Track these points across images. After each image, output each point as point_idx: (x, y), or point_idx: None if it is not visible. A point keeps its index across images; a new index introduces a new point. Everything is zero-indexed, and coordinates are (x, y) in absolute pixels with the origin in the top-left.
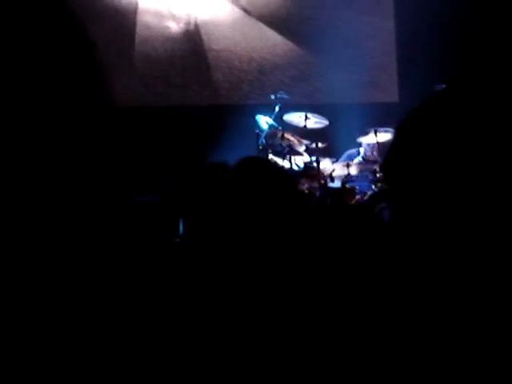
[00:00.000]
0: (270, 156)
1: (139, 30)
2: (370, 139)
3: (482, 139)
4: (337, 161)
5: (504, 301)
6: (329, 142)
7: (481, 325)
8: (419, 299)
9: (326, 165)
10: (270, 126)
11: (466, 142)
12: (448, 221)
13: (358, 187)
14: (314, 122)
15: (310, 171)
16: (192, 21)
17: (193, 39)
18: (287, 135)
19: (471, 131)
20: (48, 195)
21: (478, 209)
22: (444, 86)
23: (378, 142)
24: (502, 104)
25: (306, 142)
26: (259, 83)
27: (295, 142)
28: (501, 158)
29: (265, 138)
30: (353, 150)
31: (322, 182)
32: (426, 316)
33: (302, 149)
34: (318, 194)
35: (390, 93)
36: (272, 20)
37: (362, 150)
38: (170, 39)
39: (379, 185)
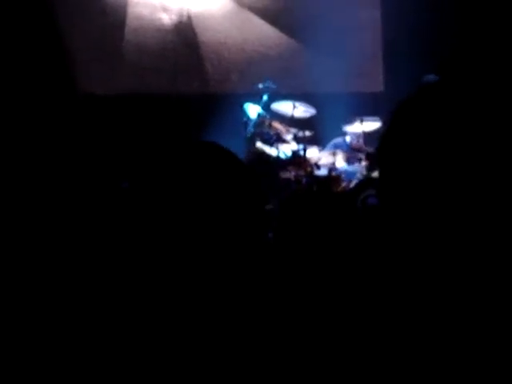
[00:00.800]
0: (258, 144)
1: (129, 21)
2: (355, 128)
3: (477, 131)
4: (323, 149)
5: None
6: (316, 131)
7: (475, 319)
8: (410, 291)
9: (312, 153)
10: (258, 115)
11: (460, 133)
12: (440, 209)
13: (343, 175)
14: (302, 110)
15: (297, 159)
16: (184, 13)
17: (184, 30)
18: (275, 124)
19: (466, 122)
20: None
21: (472, 200)
22: (431, 76)
23: (363, 131)
24: (497, 97)
25: (293, 130)
26: (248, 73)
27: (283, 130)
28: (497, 150)
29: (253, 126)
30: (339, 139)
31: (309, 169)
32: (418, 310)
33: (289, 137)
34: (304, 181)
35: (376, 82)
36: (262, 11)
37: (347, 138)
38: (161, 30)
39: (365, 173)
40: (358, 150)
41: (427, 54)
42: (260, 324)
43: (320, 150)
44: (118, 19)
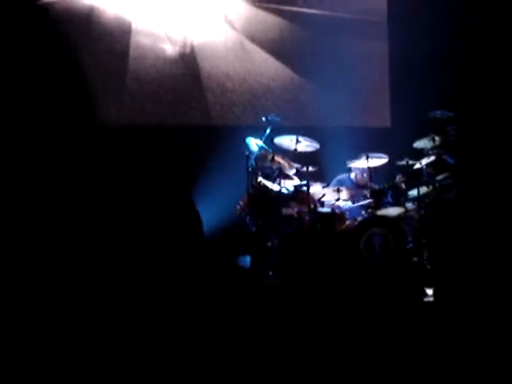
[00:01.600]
0: (260, 178)
1: (132, 50)
2: (361, 164)
3: None
4: (327, 185)
5: None
6: (319, 166)
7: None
8: None
9: (316, 189)
10: (261, 149)
11: None
12: None
13: (347, 212)
14: (305, 145)
15: (299, 195)
16: (188, 43)
17: (187, 61)
18: (277, 158)
19: None
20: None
21: None
22: (438, 111)
23: (369, 168)
24: None
25: (296, 165)
26: (251, 106)
27: (285, 165)
28: None
29: (255, 160)
30: (343, 175)
31: (312, 206)
32: None
33: (292, 172)
34: (307, 218)
35: (382, 118)
36: (267, 44)
37: (352, 174)
38: (164, 60)
39: (369, 210)
40: (363, 187)
41: (434, 91)
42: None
43: (324, 186)
44: (120, 48)
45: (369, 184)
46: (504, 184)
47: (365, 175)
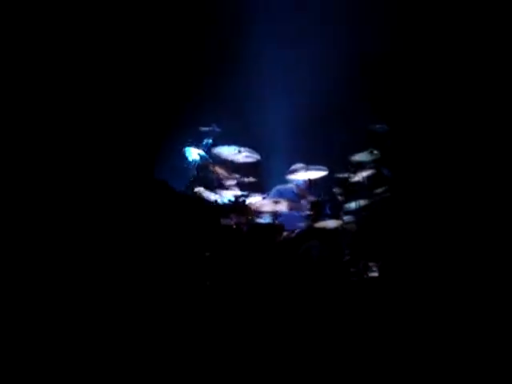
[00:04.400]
0: (200, 188)
1: None
2: (301, 176)
3: None
4: (267, 196)
5: None
6: (259, 177)
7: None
8: None
9: (255, 200)
10: (201, 158)
11: None
12: None
13: (286, 224)
14: (245, 156)
15: (238, 206)
16: None
17: None
18: (217, 168)
19: None
20: None
21: None
22: (377, 125)
23: (308, 179)
24: None
25: (236, 175)
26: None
27: (225, 175)
28: None
29: (195, 170)
30: (283, 186)
31: (251, 217)
32: None
33: (231, 183)
34: (245, 229)
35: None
36: None
37: (292, 185)
38: None
39: (308, 222)
40: (303, 198)
41: (372, 103)
42: None
43: (263, 197)
44: None
45: (308, 196)
46: (439, 197)
47: (305, 188)
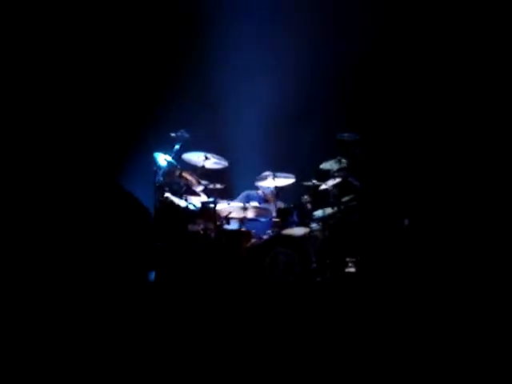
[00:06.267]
0: (167, 194)
1: None
2: (268, 183)
3: None
4: (235, 199)
5: None
6: (227, 184)
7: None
8: None
9: (223, 206)
10: (169, 164)
11: None
12: None
13: (253, 230)
14: (213, 162)
15: (206, 212)
16: None
17: None
18: (185, 174)
19: None
20: None
21: None
22: (345, 134)
23: (276, 187)
24: None
25: (204, 182)
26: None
27: (193, 181)
28: None
29: (162, 175)
30: (252, 191)
31: (218, 223)
32: None
33: (199, 189)
34: (213, 235)
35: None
36: None
37: (260, 191)
38: None
39: (275, 229)
40: (270, 204)
41: (341, 112)
42: None
43: (229, 202)
44: None
45: (275, 203)
46: (405, 207)
47: (272, 195)
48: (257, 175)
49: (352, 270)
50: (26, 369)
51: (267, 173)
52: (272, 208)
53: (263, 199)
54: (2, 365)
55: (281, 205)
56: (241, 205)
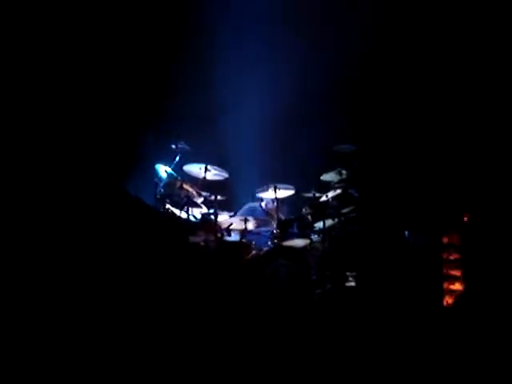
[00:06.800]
0: (167, 206)
1: None
2: (269, 195)
3: None
4: (235, 214)
5: None
6: (228, 195)
7: None
8: None
9: (223, 218)
10: (169, 176)
11: None
12: None
13: (254, 242)
14: (214, 174)
15: (207, 223)
16: None
17: None
18: (186, 186)
19: None
20: None
21: None
22: (343, 146)
23: (276, 198)
24: None
25: (204, 193)
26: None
27: (194, 193)
28: None
29: (163, 187)
30: (255, 204)
31: (219, 235)
32: None
33: (200, 200)
34: (214, 246)
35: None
36: None
37: (262, 203)
38: None
39: (276, 241)
40: (272, 216)
41: (340, 123)
42: None
43: (231, 216)
44: None
45: (276, 214)
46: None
47: (273, 207)
48: (257, 187)
49: (352, 284)
50: (26, 369)
51: (269, 184)
52: (273, 220)
53: (265, 212)
54: (1, 365)
55: (282, 217)
56: (242, 216)
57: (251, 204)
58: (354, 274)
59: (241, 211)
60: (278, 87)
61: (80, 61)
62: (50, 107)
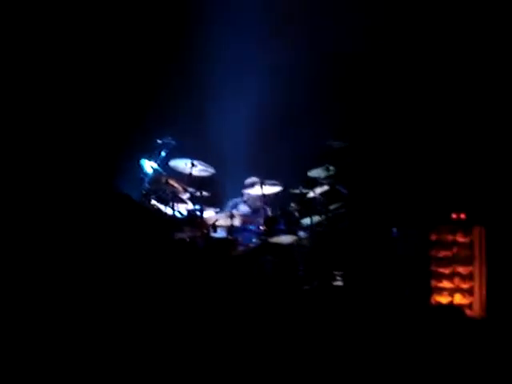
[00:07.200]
0: (153, 201)
1: None
2: (256, 191)
3: None
4: (221, 210)
5: None
6: (214, 191)
7: None
8: None
9: (209, 214)
10: (155, 171)
11: None
12: None
13: (240, 238)
14: (200, 169)
15: (193, 219)
16: None
17: None
18: (172, 181)
19: None
20: None
21: None
22: (333, 142)
23: (263, 194)
24: None
25: (190, 189)
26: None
27: (179, 188)
28: None
29: (148, 182)
30: (238, 199)
31: (205, 231)
32: None
33: (186, 196)
34: (200, 243)
35: None
36: None
37: (246, 198)
38: None
39: (262, 237)
40: (257, 212)
41: (330, 119)
42: None
43: (217, 212)
44: None
45: (263, 208)
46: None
47: (259, 203)
48: (244, 182)
49: (339, 283)
50: (25, 369)
51: (254, 179)
52: (260, 216)
53: (250, 206)
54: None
55: (268, 211)
56: (227, 213)
57: (235, 199)
58: (341, 272)
59: (225, 206)
60: (268, 82)
61: (65, 57)
62: (39, 102)
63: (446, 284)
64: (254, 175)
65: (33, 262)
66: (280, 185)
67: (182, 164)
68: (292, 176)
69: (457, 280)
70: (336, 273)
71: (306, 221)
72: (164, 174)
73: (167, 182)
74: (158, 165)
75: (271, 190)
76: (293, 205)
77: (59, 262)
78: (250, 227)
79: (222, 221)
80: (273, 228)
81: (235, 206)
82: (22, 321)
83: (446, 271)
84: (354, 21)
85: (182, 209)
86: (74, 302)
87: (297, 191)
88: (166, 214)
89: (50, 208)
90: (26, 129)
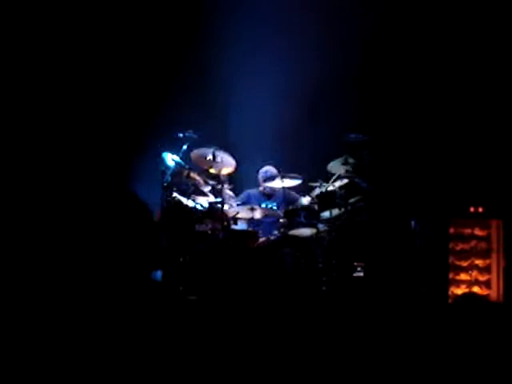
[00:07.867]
0: (175, 194)
1: None
2: (276, 184)
3: None
4: (237, 201)
5: None
6: (235, 184)
7: None
8: None
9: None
10: (177, 164)
11: None
12: None
13: (260, 231)
14: (222, 162)
15: (214, 212)
16: None
17: None
18: (193, 174)
19: None
20: None
21: None
22: (352, 134)
23: (283, 187)
24: None
25: (211, 182)
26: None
27: (201, 181)
28: None
29: (170, 175)
30: (252, 190)
31: (226, 223)
32: None
33: (207, 189)
34: (220, 235)
35: None
36: None
37: (261, 188)
38: None
39: (282, 230)
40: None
41: (350, 112)
42: None
43: (238, 204)
44: None
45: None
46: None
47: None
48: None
49: (360, 274)
50: (26, 369)
51: (273, 171)
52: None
53: (263, 195)
54: (1, 365)
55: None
56: (249, 206)
57: (249, 190)
58: (362, 264)
59: (239, 197)
60: (286, 74)
61: (90, 52)
62: (58, 96)
63: (463, 276)
64: (275, 167)
65: (46, 260)
66: (300, 177)
67: (204, 153)
68: (314, 169)
69: (475, 273)
70: (356, 264)
71: (326, 214)
72: (186, 167)
73: (189, 175)
74: (180, 158)
75: (291, 182)
76: (313, 198)
77: (71, 257)
78: (270, 220)
79: (243, 213)
80: (292, 221)
81: (249, 197)
82: (27, 313)
83: (464, 264)
84: (379, 10)
85: (203, 201)
86: (86, 298)
87: (316, 184)
88: (187, 206)
89: (65, 202)
90: (48, 122)
